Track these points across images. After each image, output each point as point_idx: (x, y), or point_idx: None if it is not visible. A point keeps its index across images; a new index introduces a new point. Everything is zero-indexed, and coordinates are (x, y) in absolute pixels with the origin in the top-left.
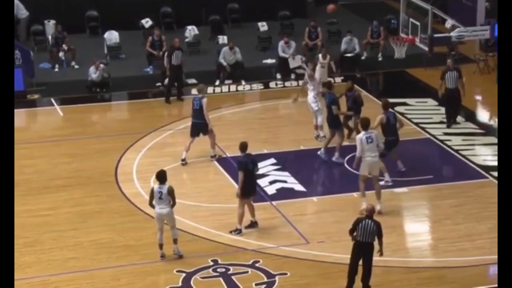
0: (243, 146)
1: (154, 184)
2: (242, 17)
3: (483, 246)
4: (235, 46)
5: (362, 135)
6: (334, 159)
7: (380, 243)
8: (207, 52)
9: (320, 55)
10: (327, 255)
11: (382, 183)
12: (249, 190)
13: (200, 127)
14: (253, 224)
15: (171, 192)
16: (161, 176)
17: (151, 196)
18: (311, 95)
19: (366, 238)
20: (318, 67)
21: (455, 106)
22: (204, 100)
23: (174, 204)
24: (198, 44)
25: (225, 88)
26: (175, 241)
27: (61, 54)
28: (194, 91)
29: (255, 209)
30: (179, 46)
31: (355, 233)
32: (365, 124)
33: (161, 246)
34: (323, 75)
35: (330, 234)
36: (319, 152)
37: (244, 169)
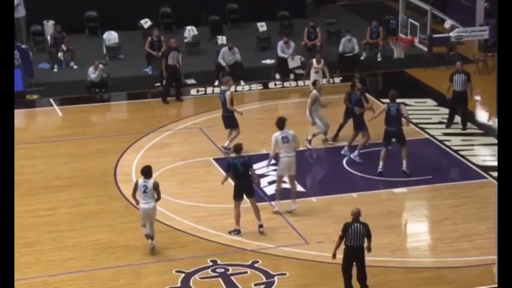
0: (237, 148)
1: (139, 178)
2: (241, 17)
3: (482, 247)
4: (234, 46)
5: (278, 134)
6: (352, 155)
7: (369, 241)
8: (206, 53)
9: (314, 60)
10: (326, 255)
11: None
12: (242, 192)
13: (225, 119)
14: (259, 227)
15: (156, 186)
16: (146, 171)
17: (135, 189)
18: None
19: (357, 242)
20: (312, 72)
21: (462, 110)
22: (227, 93)
23: (158, 198)
24: (197, 44)
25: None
26: (149, 236)
27: (60, 54)
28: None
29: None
30: (176, 46)
31: (344, 239)
32: (282, 123)
33: (151, 238)
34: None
35: (329, 234)
36: (342, 151)
37: (232, 170)
